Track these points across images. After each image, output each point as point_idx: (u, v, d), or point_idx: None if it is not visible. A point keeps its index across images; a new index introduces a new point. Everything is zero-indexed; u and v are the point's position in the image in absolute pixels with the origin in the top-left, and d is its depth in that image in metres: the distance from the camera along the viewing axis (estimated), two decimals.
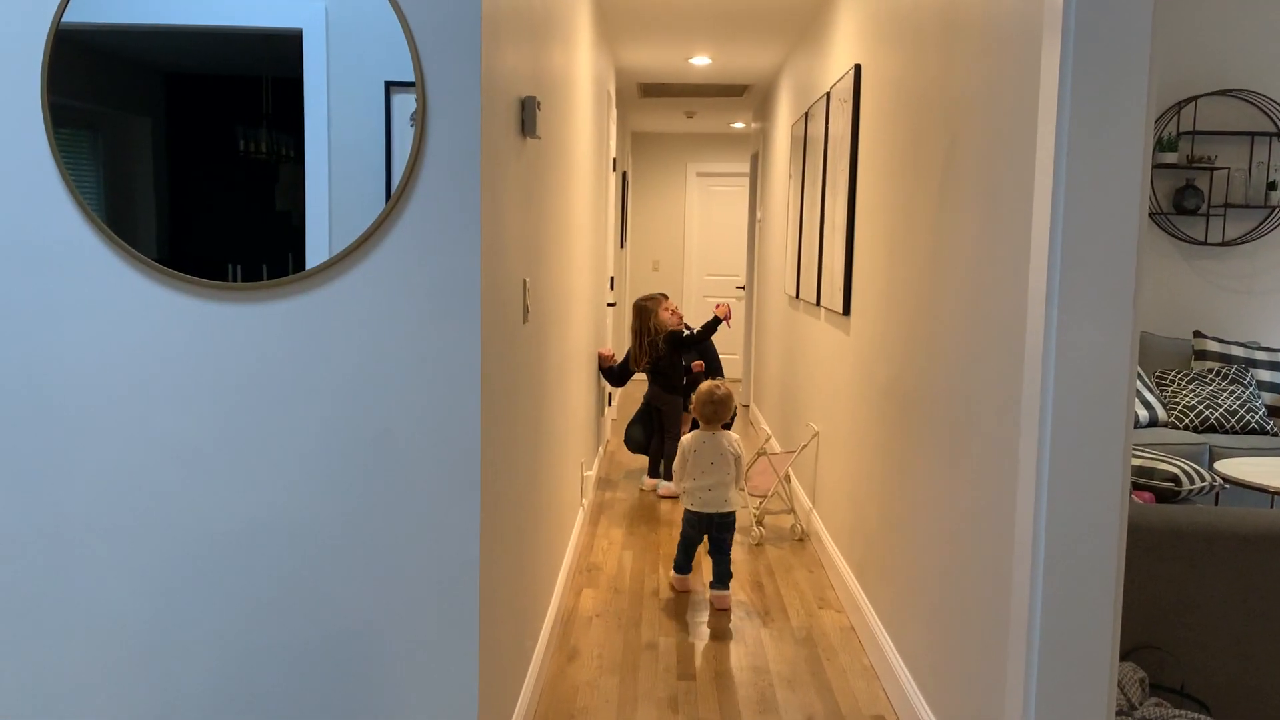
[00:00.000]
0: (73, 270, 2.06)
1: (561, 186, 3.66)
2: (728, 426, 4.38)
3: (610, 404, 7.30)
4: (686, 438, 4.12)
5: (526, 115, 2.63)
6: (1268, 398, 5.05)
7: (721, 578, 3.99)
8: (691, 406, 4.31)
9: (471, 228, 2.05)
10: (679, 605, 3.97)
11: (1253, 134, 5.22)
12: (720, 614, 3.88)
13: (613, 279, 7.23)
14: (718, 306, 5.85)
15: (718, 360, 6.18)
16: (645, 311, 5.95)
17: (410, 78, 2.01)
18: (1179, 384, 5.02)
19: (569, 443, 4.19)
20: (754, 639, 3.64)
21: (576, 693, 3.15)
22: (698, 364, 5.97)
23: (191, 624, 2.13)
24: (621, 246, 8.90)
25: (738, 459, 4.05)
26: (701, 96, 8.21)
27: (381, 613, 2.13)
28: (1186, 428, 4.87)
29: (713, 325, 5.82)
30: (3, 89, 2.03)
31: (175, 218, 2.06)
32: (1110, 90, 1.95)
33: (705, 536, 4.07)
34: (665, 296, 6.02)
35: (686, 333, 5.89)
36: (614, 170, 6.88)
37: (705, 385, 4.20)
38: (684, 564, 4.14)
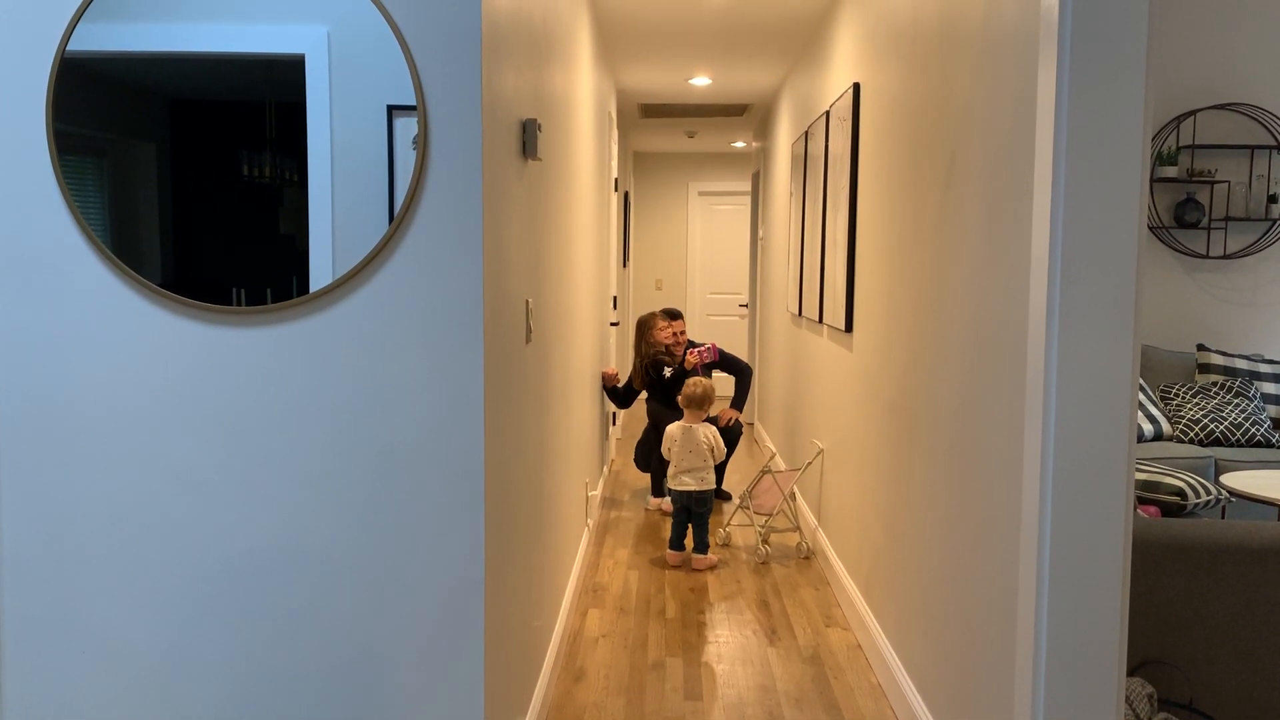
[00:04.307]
0: (78, 296, 2.07)
1: (563, 207, 3.68)
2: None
3: (615, 423, 7.30)
4: (671, 427, 4.92)
5: (528, 137, 2.65)
6: (1272, 410, 5.04)
7: (700, 545, 4.76)
8: (679, 399, 5.04)
9: (474, 249, 2.06)
10: (686, 625, 3.96)
11: (1252, 147, 5.23)
12: (726, 628, 3.87)
13: (615, 298, 7.24)
14: (690, 353, 5.75)
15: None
16: (642, 328, 5.92)
17: (412, 101, 2.03)
18: (1183, 397, 5.01)
19: (573, 463, 4.19)
20: (761, 658, 3.63)
21: (583, 714, 3.14)
22: (690, 358, 5.81)
23: (199, 648, 2.13)
24: (624, 266, 8.92)
25: (711, 449, 4.82)
26: (702, 116, 8.25)
27: (386, 634, 2.13)
28: (1191, 441, 4.86)
29: (686, 374, 5.72)
30: (8, 117, 2.05)
31: (180, 242, 2.07)
32: (1107, 104, 1.96)
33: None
34: (670, 316, 5.94)
35: (669, 372, 5.77)
36: (616, 190, 6.90)
37: (688, 381, 5.02)
38: (677, 541, 4.79)
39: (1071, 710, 2.06)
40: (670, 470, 4.87)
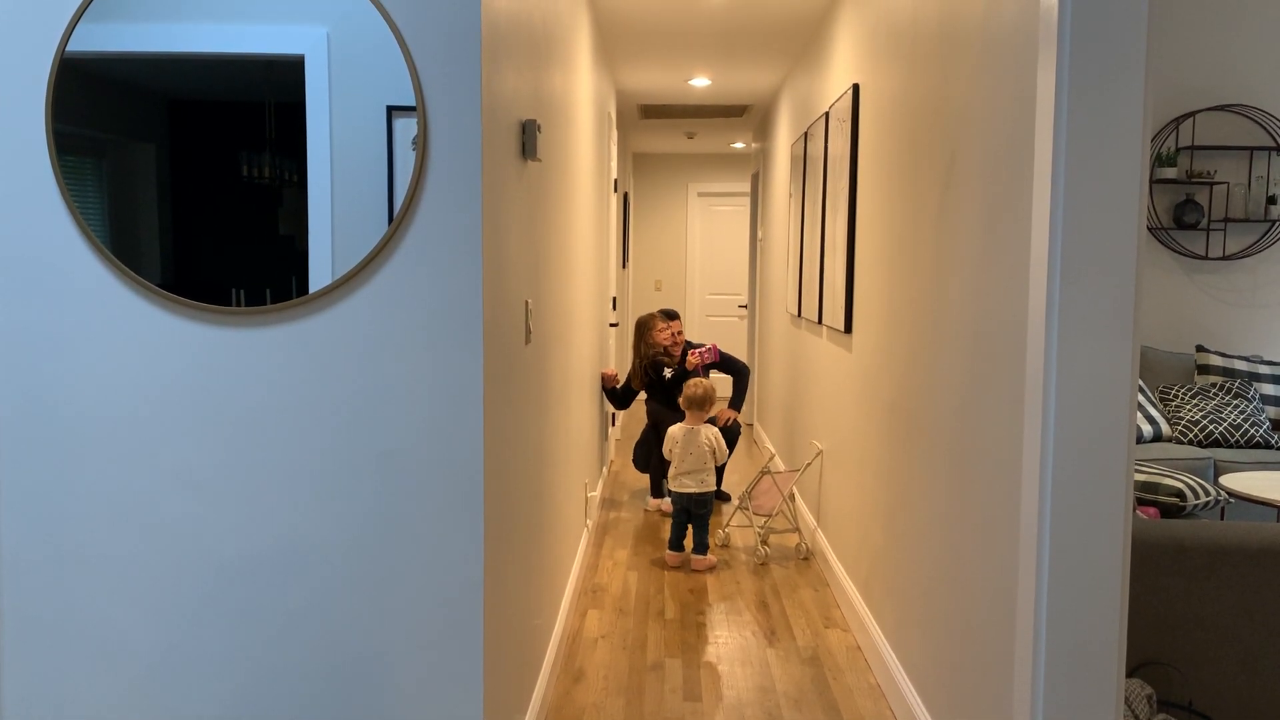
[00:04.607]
0: (77, 296, 2.07)
1: (563, 208, 3.68)
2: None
3: (614, 424, 7.30)
4: (674, 428, 4.91)
5: (527, 138, 2.65)
6: (1271, 411, 5.04)
7: (700, 546, 4.75)
8: (680, 400, 5.06)
9: (473, 250, 2.06)
10: (685, 626, 3.96)
11: (1251, 148, 5.24)
12: (725, 629, 3.87)
13: (615, 299, 7.24)
14: (691, 354, 5.76)
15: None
16: (641, 328, 5.92)
17: (411, 102, 2.03)
18: (1182, 399, 5.01)
19: (573, 463, 4.19)
20: (760, 659, 3.63)
21: (582, 715, 3.14)
22: (691, 358, 5.83)
23: (198, 649, 2.13)
24: (624, 267, 8.92)
25: (713, 451, 4.83)
26: (701, 117, 8.25)
27: (385, 635, 2.12)
28: (1190, 442, 4.86)
29: (686, 374, 5.73)
30: (8, 117, 2.05)
31: (179, 243, 2.07)
32: (1107, 105, 1.96)
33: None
34: (668, 317, 5.94)
35: (668, 373, 5.78)
36: (615, 191, 6.90)
37: (689, 382, 5.01)
38: (676, 542, 4.80)
39: (1071, 711, 2.06)
40: (671, 471, 4.87)
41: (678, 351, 5.83)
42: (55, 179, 2.05)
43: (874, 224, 3.70)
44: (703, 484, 4.78)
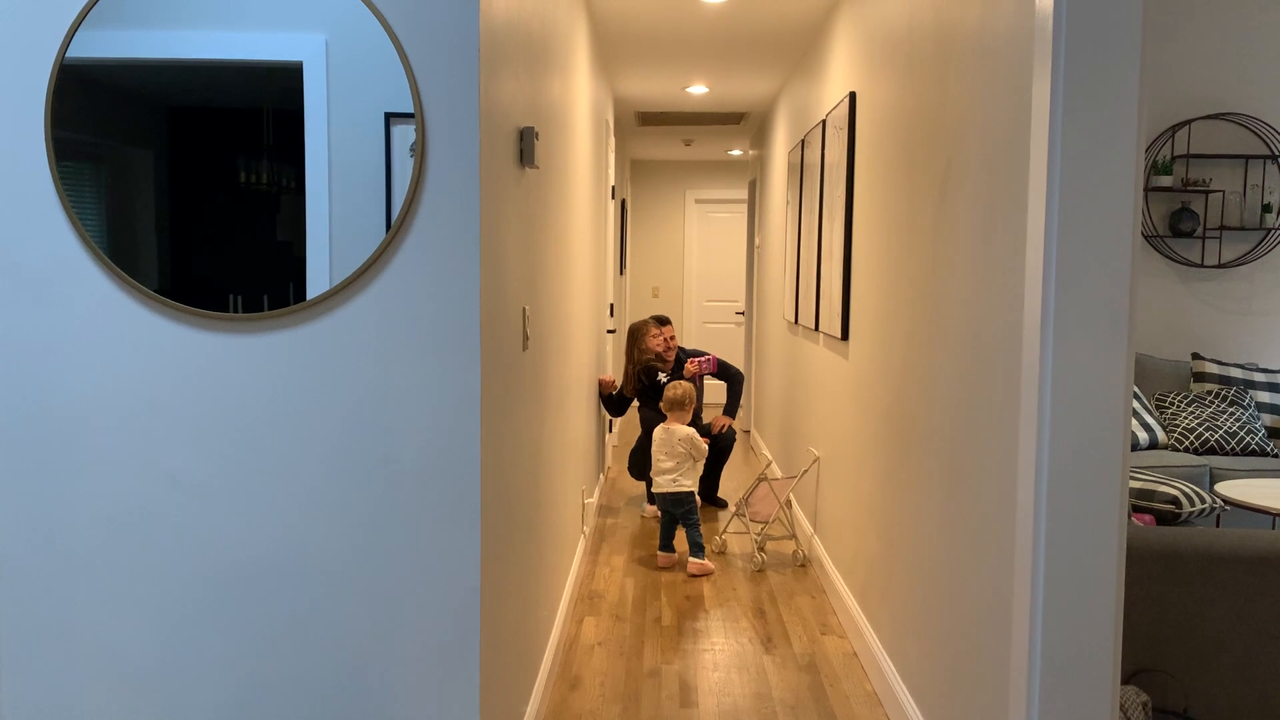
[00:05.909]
0: (75, 302, 2.08)
1: (560, 215, 3.69)
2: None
3: (611, 430, 7.30)
4: (655, 431, 4.98)
5: (525, 145, 2.66)
6: (1267, 419, 5.05)
7: (694, 549, 4.73)
8: (660, 404, 5.17)
9: (471, 257, 2.07)
10: (681, 633, 3.96)
11: (1246, 157, 5.25)
12: (722, 636, 3.87)
13: (612, 306, 7.25)
14: (690, 363, 5.79)
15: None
16: (634, 335, 5.92)
17: (410, 109, 2.03)
18: (1178, 406, 5.02)
19: (570, 470, 4.19)
20: (757, 666, 3.63)
21: None
22: (690, 366, 5.84)
23: (195, 657, 2.13)
24: (621, 273, 8.93)
25: (689, 452, 4.86)
26: (699, 124, 8.27)
27: (382, 643, 2.12)
28: (1186, 450, 4.87)
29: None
30: (7, 122, 2.06)
31: (177, 249, 2.08)
32: (1101, 113, 1.97)
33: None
34: (660, 322, 5.95)
35: (663, 378, 5.79)
36: (613, 198, 6.91)
37: (669, 385, 5.09)
38: (666, 543, 4.87)
39: (1066, 718, 2.06)
40: (651, 472, 4.95)
41: (671, 357, 5.84)
42: (54, 184, 2.06)
43: (870, 231, 3.71)
44: (676, 484, 4.84)
